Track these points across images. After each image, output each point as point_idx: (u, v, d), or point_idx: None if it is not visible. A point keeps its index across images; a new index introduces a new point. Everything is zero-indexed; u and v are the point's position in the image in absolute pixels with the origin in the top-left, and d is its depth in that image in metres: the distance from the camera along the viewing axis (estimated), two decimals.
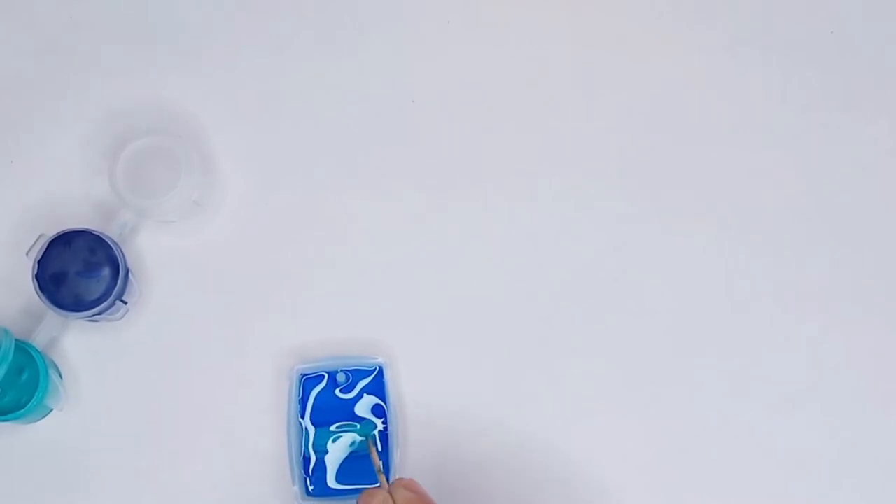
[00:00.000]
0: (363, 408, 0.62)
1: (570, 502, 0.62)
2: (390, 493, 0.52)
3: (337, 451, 0.62)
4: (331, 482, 0.61)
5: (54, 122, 0.66)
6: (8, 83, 0.67)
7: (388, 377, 0.62)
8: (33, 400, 0.59)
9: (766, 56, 0.69)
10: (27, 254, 0.61)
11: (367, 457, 0.61)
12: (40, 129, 0.66)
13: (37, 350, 0.61)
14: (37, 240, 0.61)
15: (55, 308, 0.60)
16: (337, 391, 0.62)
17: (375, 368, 0.62)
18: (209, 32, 0.68)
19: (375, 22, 0.68)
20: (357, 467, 0.61)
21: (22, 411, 0.59)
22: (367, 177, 0.66)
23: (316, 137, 0.67)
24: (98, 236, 0.61)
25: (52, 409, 0.62)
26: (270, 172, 0.66)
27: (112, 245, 0.61)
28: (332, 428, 0.61)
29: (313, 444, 0.61)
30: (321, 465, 0.61)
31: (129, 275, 0.62)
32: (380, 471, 0.56)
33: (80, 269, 0.60)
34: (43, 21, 0.68)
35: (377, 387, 0.62)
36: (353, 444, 0.60)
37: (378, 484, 0.54)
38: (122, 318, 0.63)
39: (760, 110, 0.68)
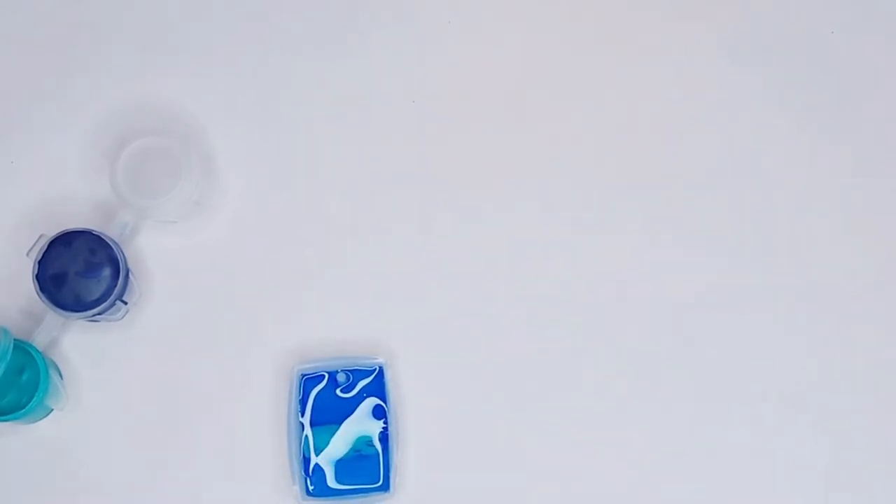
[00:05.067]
0: (364, 409, 0.61)
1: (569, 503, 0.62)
2: None
3: (336, 452, 0.61)
4: (331, 482, 0.61)
5: (55, 122, 0.66)
6: (8, 83, 0.67)
7: (389, 377, 0.62)
8: (34, 400, 0.59)
9: (766, 57, 0.69)
10: (27, 254, 0.61)
11: (368, 457, 0.61)
12: (41, 129, 0.66)
13: (37, 350, 0.61)
14: (37, 240, 0.61)
15: (55, 308, 0.60)
16: (337, 391, 0.62)
17: (376, 369, 0.62)
18: (210, 32, 0.68)
19: (375, 22, 0.68)
20: (357, 468, 0.61)
21: (22, 411, 0.59)
22: (367, 176, 0.66)
23: (316, 138, 0.67)
24: (98, 236, 0.61)
25: (52, 409, 0.62)
26: (270, 172, 0.66)
27: (112, 245, 0.61)
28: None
29: (313, 444, 0.61)
30: (324, 465, 0.61)
31: (130, 275, 0.62)
32: None
33: (80, 270, 0.60)
34: (44, 21, 0.68)
35: (377, 387, 0.62)
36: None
37: None
38: (122, 318, 0.63)
39: (761, 110, 0.68)
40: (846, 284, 0.65)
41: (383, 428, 0.62)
